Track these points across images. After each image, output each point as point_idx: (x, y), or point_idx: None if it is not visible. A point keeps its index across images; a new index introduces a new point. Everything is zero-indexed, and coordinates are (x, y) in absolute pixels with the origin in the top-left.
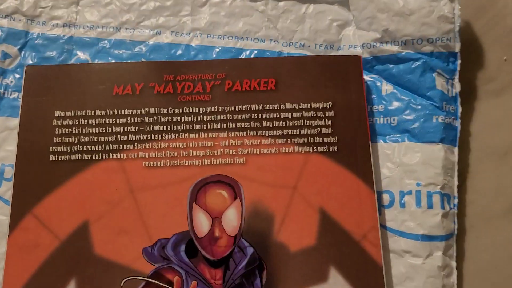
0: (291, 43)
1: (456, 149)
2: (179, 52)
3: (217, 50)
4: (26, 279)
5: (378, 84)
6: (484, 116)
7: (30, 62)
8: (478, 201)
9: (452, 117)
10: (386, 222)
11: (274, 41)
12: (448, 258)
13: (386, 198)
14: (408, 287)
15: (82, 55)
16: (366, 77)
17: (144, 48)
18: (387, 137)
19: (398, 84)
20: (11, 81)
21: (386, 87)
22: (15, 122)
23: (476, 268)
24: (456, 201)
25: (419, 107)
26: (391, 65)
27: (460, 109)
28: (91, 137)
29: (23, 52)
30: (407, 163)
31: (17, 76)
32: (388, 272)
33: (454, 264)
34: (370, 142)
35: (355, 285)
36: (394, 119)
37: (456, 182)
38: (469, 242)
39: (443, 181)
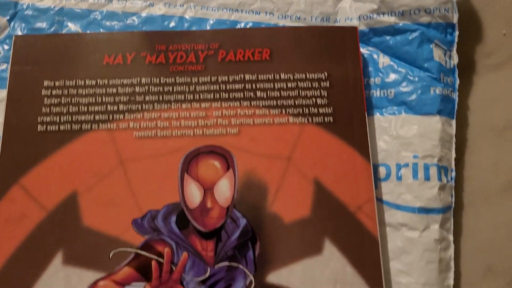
0: (286, 16)
1: (453, 122)
2: (172, 24)
3: (211, 22)
4: (12, 250)
5: (375, 56)
6: (483, 90)
7: (20, 33)
8: (476, 177)
9: (450, 89)
10: (383, 195)
11: (269, 14)
12: (445, 232)
13: (382, 171)
14: (404, 261)
15: (73, 27)
16: (363, 50)
17: (136, 20)
18: (383, 109)
19: (395, 56)
20: (0, 52)
21: (383, 60)
22: (3, 94)
23: (474, 245)
24: (453, 174)
25: (416, 79)
26: (388, 37)
27: (458, 81)
28: (80, 107)
29: (12, 23)
30: (404, 136)
31: (6, 47)
32: (384, 246)
33: (451, 238)
34: (366, 114)
35: (350, 258)
36: (391, 92)
37: (453, 155)
38: (467, 219)
39: (440, 154)
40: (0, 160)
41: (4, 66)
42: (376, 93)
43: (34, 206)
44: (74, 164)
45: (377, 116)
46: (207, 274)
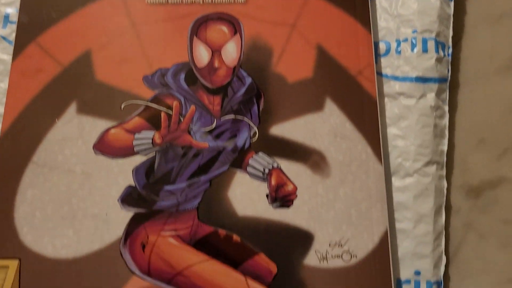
0: None
1: (451, 4)
2: None
3: None
4: (29, 99)
5: None
6: None
7: None
8: (472, 59)
9: None
10: (382, 69)
11: None
12: (440, 102)
13: (382, 47)
14: (401, 125)
15: None
16: None
17: None
18: None
19: None
20: None
21: None
22: None
23: (468, 119)
24: (450, 50)
25: None
26: None
27: None
28: None
29: None
30: (404, 14)
31: None
32: (382, 115)
33: (446, 108)
34: None
35: (349, 115)
36: None
37: (451, 33)
38: (462, 96)
39: (438, 29)
40: (18, 21)
41: None
42: None
43: (49, 61)
44: (88, 25)
45: None
46: (214, 125)
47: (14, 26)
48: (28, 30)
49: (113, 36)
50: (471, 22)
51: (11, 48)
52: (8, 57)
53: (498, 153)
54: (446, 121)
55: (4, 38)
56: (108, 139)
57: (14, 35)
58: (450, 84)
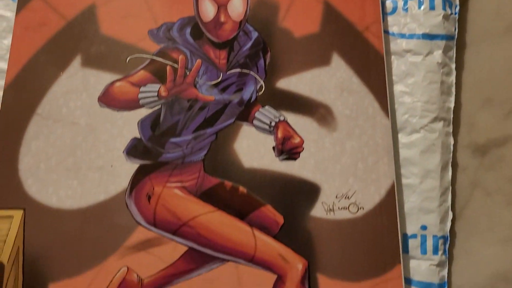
0: None
1: None
2: None
3: None
4: (32, 54)
5: None
6: None
7: None
8: (479, 20)
9: None
10: (389, 27)
11: None
12: (447, 59)
13: (389, 5)
14: (408, 82)
15: None
16: None
17: None
18: None
19: None
20: None
21: None
22: None
23: (474, 79)
24: (457, 9)
25: None
26: None
27: None
28: None
29: None
30: None
31: None
32: (389, 72)
33: (453, 66)
34: None
35: (356, 70)
36: None
37: None
38: (469, 56)
39: None
40: None
41: None
42: None
43: (53, 15)
44: None
45: None
46: (219, 79)
47: None
48: None
49: None
50: None
51: (14, 5)
52: (11, 14)
53: (504, 112)
54: (453, 78)
55: None
56: (113, 91)
57: None
58: (457, 44)
